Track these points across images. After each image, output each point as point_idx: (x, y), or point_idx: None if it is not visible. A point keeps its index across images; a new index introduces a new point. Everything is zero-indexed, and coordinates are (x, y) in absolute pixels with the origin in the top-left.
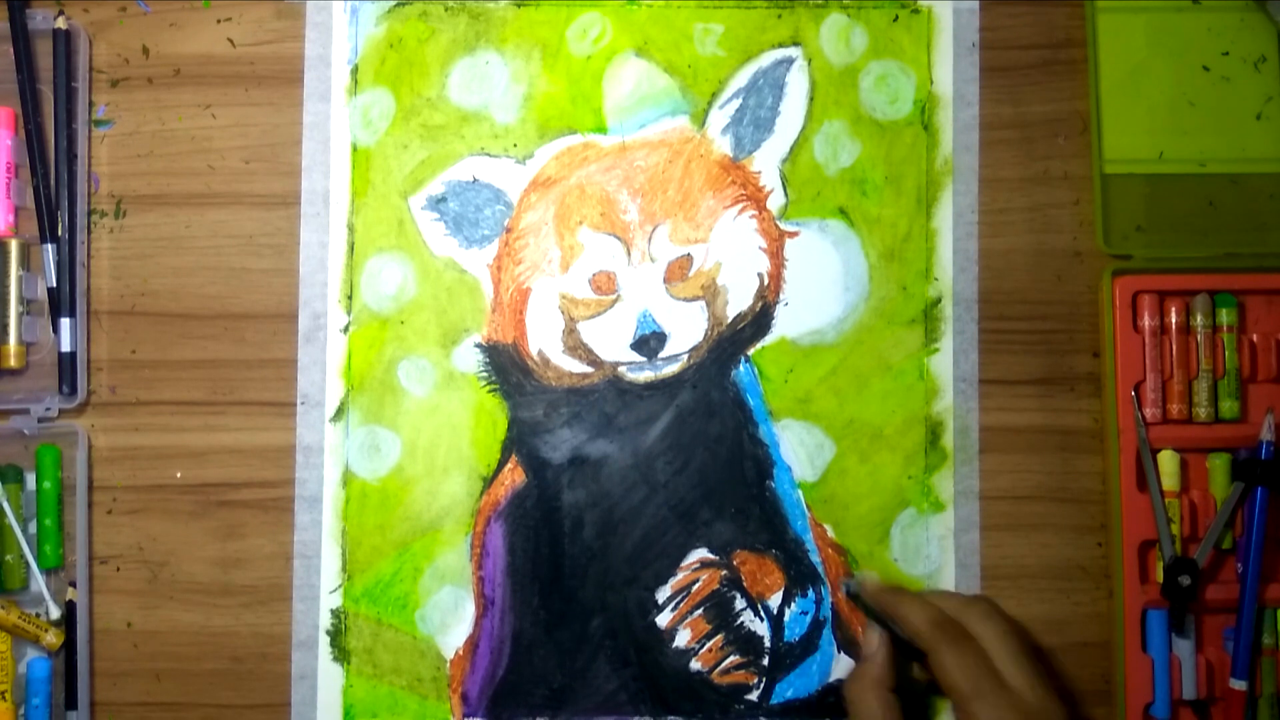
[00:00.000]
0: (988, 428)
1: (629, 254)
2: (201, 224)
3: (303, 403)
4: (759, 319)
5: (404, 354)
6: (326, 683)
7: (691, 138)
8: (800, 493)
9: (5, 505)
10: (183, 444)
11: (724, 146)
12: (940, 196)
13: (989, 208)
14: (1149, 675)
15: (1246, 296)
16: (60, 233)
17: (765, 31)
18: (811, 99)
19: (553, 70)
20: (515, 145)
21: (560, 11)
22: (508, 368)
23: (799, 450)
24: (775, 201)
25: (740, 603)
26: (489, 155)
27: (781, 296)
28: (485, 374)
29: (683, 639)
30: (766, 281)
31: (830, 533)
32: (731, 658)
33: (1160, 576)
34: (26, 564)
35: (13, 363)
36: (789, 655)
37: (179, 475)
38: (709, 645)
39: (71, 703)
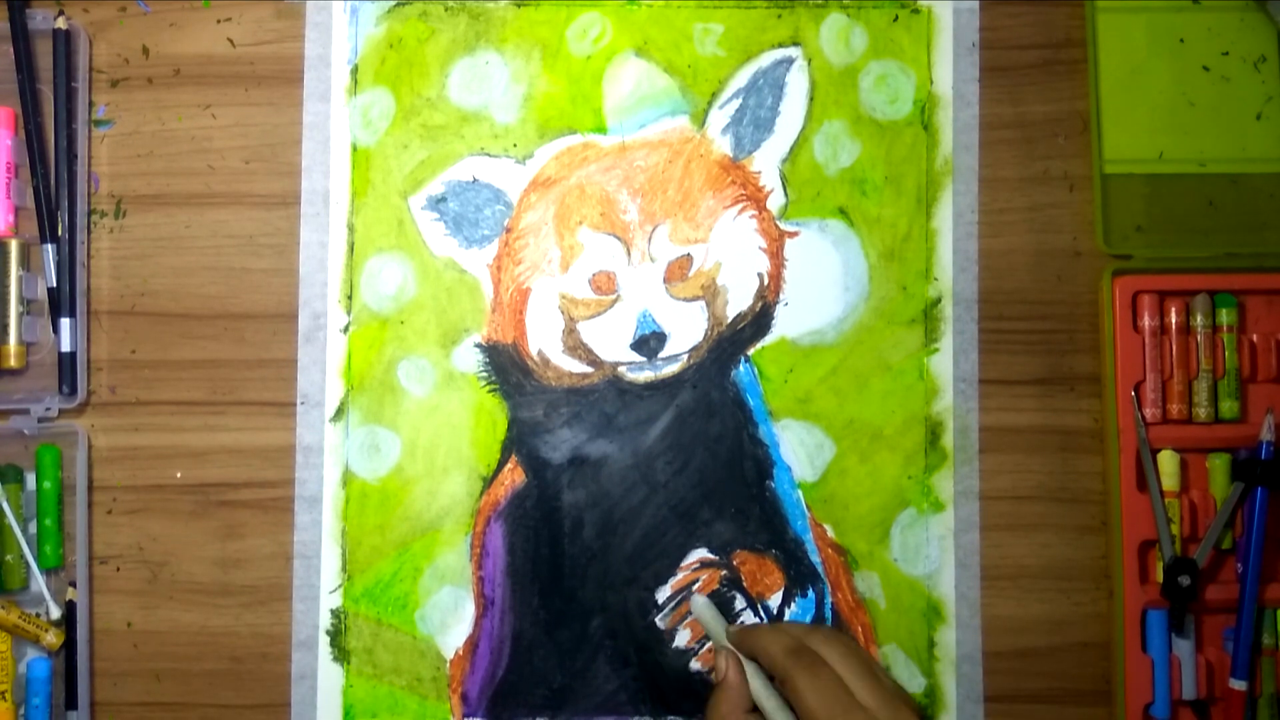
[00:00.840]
0: (988, 428)
1: (629, 254)
2: (201, 224)
3: (303, 403)
4: (759, 319)
5: (404, 354)
6: (326, 683)
7: (691, 138)
8: (800, 493)
9: (5, 505)
10: (183, 444)
11: (724, 146)
12: (940, 196)
13: (989, 208)
14: (1149, 675)
15: (1246, 296)
16: (60, 233)
17: (765, 31)
18: (811, 99)
19: (553, 70)
20: (515, 145)
21: (560, 11)
22: (508, 368)
23: (799, 450)
24: (775, 201)
25: (740, 603)
26: (489, 155)
27: (781, 296)
28: (485, 374)
29: (683, 639)
30: (766, 281)
31: (830, 533)
32: None
33: (1160, 576)
34: (26, 564)
35: (13, 363)
36: None
37: (179, 475)
38: (709, 645)
39: (71, 703)
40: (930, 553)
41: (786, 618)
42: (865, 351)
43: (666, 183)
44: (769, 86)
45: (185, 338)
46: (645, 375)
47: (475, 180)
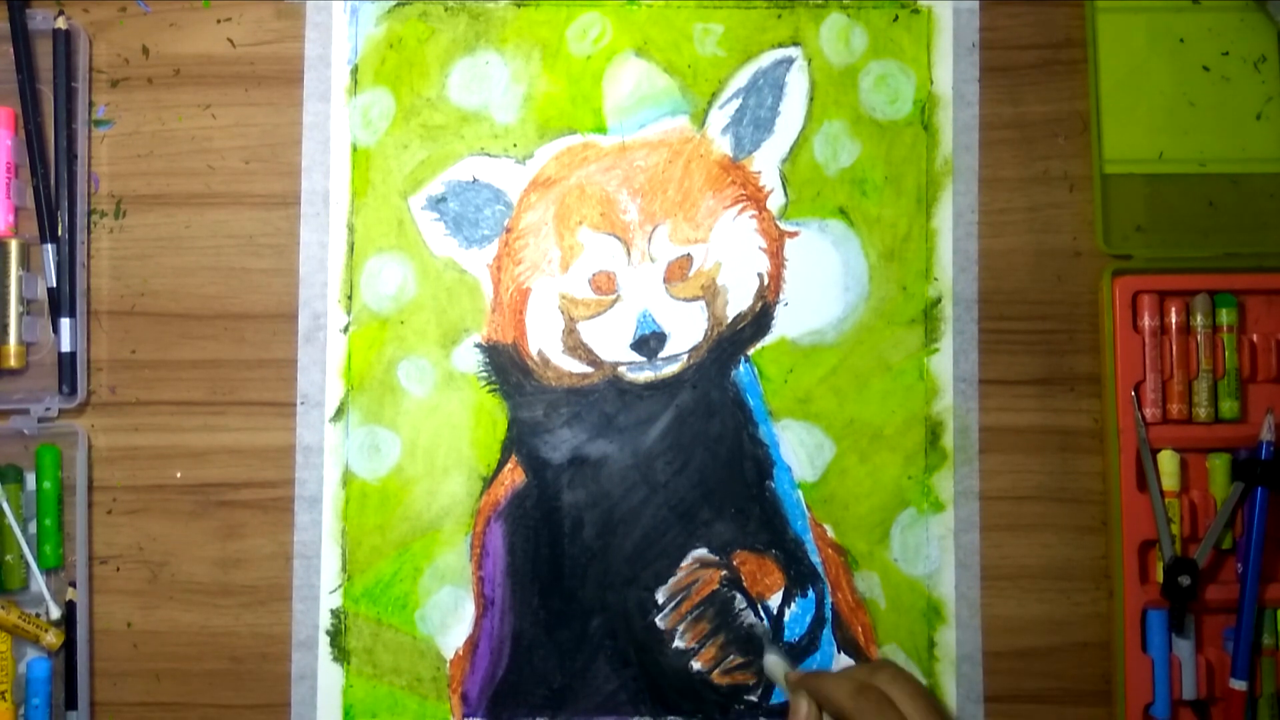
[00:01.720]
0: (988, 428)
1: (629, 254)
2: (201, 224)
3: (302, 403)
4: (759, 319)
5: (404, 354)
6: (326, 683)
7: (691, 138)
8: (800, 493)
9: (5, 505)
10: (183, 444)
11: (724, 146)
12: (940, 196)
13: (989, 208)
14: (1149, 675)
15: (1246, 296)
16: (60, 233)
17: (765, 31)
18: (811, 99)
19: (553, 70)
20: (515, 145)
21: (560, 11)
22: (508, 368)
23: (799, 450)
24: (775, 201)
25: (740, 603)
26: (489, 155)
27: (781, 296)
28: (485, 374)
29: (683, 639)
30: (766, 281)
31: (830, 533)
32: (731, 658)
33: (1160, 576)
34: (26, 564)
35: (13, 363)
36: (789, 655)
37: (179, 475)
38: (709, 645)
39: (71, 702)
40: (930, 553)
41: (787, 618)
42: (865, 351)
43: (666, 183)
44: (769, 86)
45: (185, 338)
46: (645, 375)
47: (475, 180)
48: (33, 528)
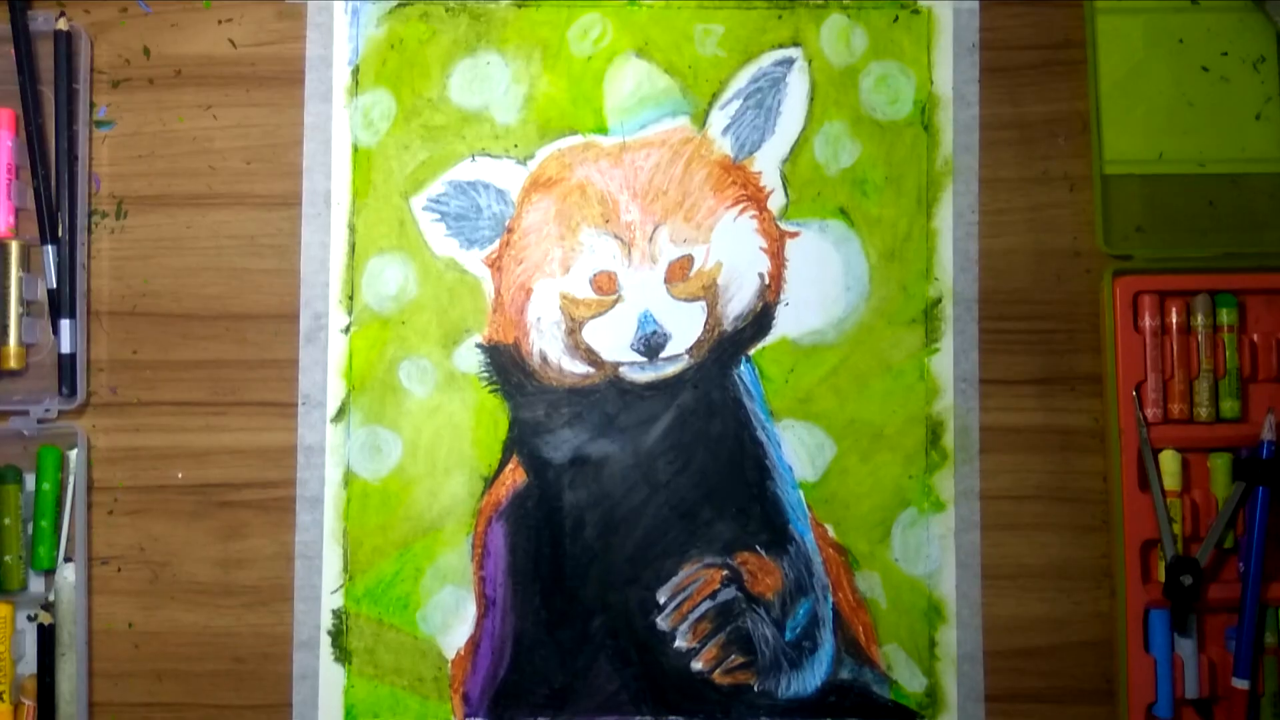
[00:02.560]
0: (988, 427)
1: (630, 254)
2: (203, 224)
3: (304, 403)
4: (759, 319)
5: (405, 354)
6: (328, 683)
7: (692, 138)
8: (801, 492)
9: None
10: (184, 444)
11: (724, 147)
12: (940, 197)
13: (989, 208)
14: (1151, 675)
15: (1247, 296)
16: (61, 234)
17: (765, 32)
18: (812, 99)
19: (553, 71)
20: (516, 146)
21: (561, 12)
22: (509, 368)
23: (800, 450)
24: (776, 202)
25: (741, 603)
26: (490, 156)
27: (782, 296)
28: (486, 374)
29: (684, 639)
30: (767, 281)
31: (831, 532)
32: (732, 657)
33: (1162, 576)
34: (26, 565)
35: (13, 364)
36: (790, 655)
37: (180, 476)
38: (710, 645)
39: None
40: (931, 552)
41: (787, 618)
42: (866, 351)
43: (667, 183)
44: (769, 87)
45: (186, 338)
46: (646, 375)
47: (476, 181)
48: (29, 528)
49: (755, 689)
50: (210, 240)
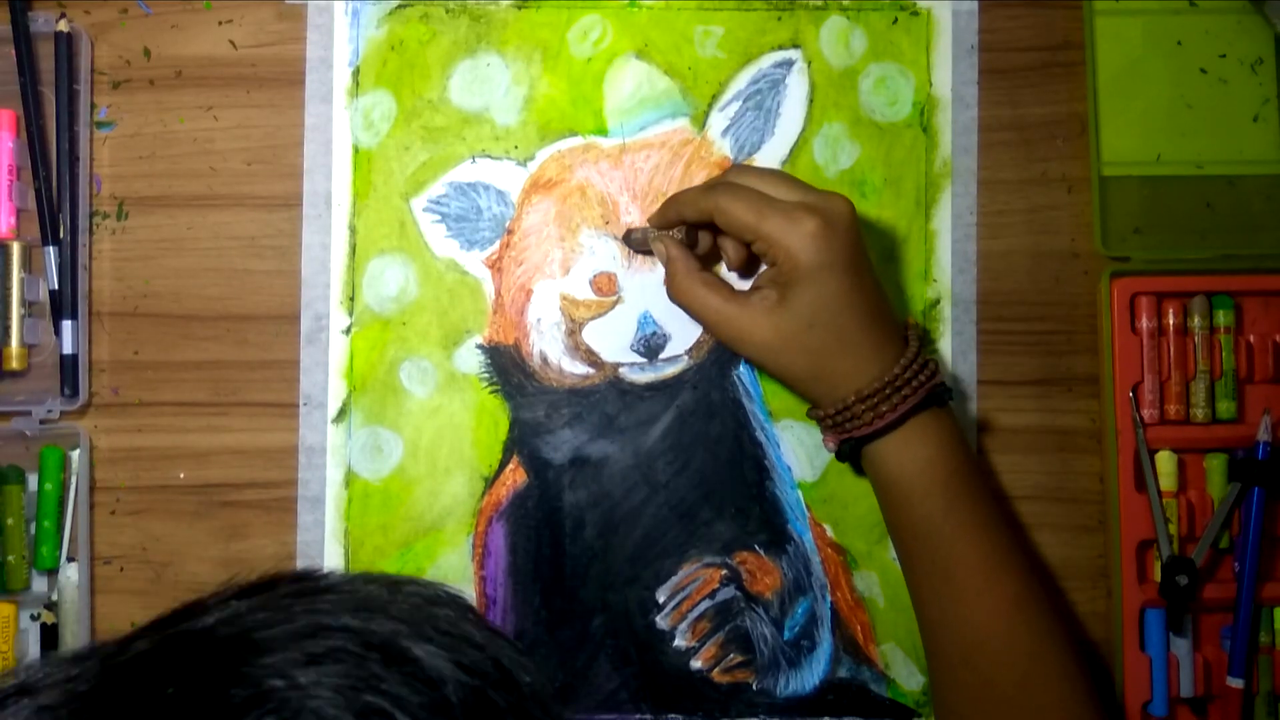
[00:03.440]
0: (986, 428)
1: (629, 255)
2: (203, 226)
3: (305, 404)
4: None
5: (406, 355)
6: None
7: (692, 140)
8: (799, 493)
9: (8, 506)
10: (185, 445)
11: (724, 148)
12: (939, 198)
13: (988, 209)
14: (1147, 674)
15: (1243, 298)
16: (62, 235)
17: (765, 34)
18: (811, 101)
19: (553, 72)
20: (516, 147)
21: (561, 14)
22: (509, 369)
23: (799, 450)
24: None
25: (740, 602)
26: (490, 157)
27: None
28: (487, 375)
29: (683, 638)
30: None
31: (830, 532)
32: (731, 656)
33: (1158, 576)
34: (29, 565)
35: (14, 365)
36: (789, 654)
37: (182, 476)
38: (709, 644)
39: None
40: None
41: (786, 617)
42: None
43: (667, 185)
44: (769, 89)
45: (187, 339)
46: (646, 376)
47: (477, 182)
48: (32, 529)
49: (754, 687)
50: (211, 241)
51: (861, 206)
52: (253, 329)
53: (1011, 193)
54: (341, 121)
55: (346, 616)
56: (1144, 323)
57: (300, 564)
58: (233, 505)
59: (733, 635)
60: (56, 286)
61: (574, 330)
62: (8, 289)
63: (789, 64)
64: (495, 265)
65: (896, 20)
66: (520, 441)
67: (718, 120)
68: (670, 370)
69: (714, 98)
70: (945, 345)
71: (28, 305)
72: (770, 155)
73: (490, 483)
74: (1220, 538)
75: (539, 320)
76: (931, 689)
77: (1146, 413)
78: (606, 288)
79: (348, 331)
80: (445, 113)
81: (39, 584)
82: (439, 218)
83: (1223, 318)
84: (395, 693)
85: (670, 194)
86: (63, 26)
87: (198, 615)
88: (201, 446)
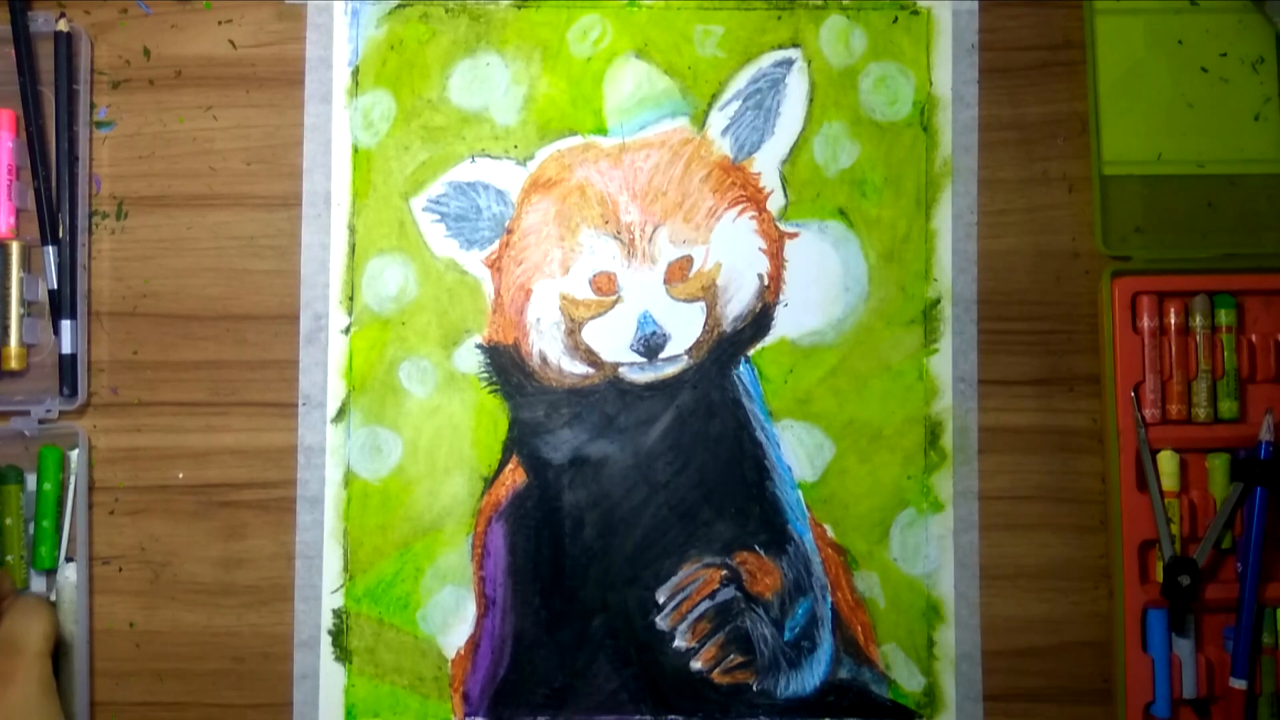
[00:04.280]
0: (987, 428)
1: (629, 255)
2: (203, 225)
3: (304, 403)
4: (759, 320)
5: (405, 355)
6: (328, 682)
7: (691, 139)
8: (800, 493)
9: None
10: (184, 445)
11: (724, 148)
12: (939, 197)
13: (988, 209)
14: (1149, 674)
15: (1245, 297)
16: (61, 234)
17: (765, 33)
18: (811, 100)
19: (553, 72)
20: (516, 146)
21: (561, 13)
22: (508, 368)
23: (799, 450)
24: (775, 203)
25: (740, 602)
26: (490, 156)
27: (781, 297)
28: (486, 375)
29: (683, 639)
30: (766, 282)
31: (830, 533)
32: (731, 657)
33: (1160, 576)
34: (27, 565)
35: (13, 364)
36: (789, 654)
37: (181, 476)
38: (709, 645)
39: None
40: (929, 552)
41: (786, 618)
42: (865, 352)
43: (667, 184)
44: (769, 88)
45: (187, 339)
46: (646, 376)
47: (476, 181)
48: (30, 528)
49: (754, 688)
50: (211, 241)
51: (862, 206)
52: (252, 329)
53: (1012, 192)
54: (341, 121)
55: None
56: (1145, 322)
57: (299, 564)
58: (232, 505)
59: (733, 636)
60: (56, 286)
61: (573, 330)
62: (7, 289)
63: (789, 63)
64: (495, 265)
65: (896, 19)
66: (520, 441)
67: (717, 119)
68: (670, 370)
69: (714, 97)
70: (946, 345)
71: (27, 305)
72: (770, 154)
73: (490, 483)
74: (1222, 538)
75: (538, 320)
76: None
77: (1148, 412)
78: (606, 287)
79: (347, 331)
80: (445, 112)
81: (38, 584)
82: (438, 217)
83: (1224, 317)
84: None
85: (670, 193)
86: (62, 26)
87: None
88: (200, 446)
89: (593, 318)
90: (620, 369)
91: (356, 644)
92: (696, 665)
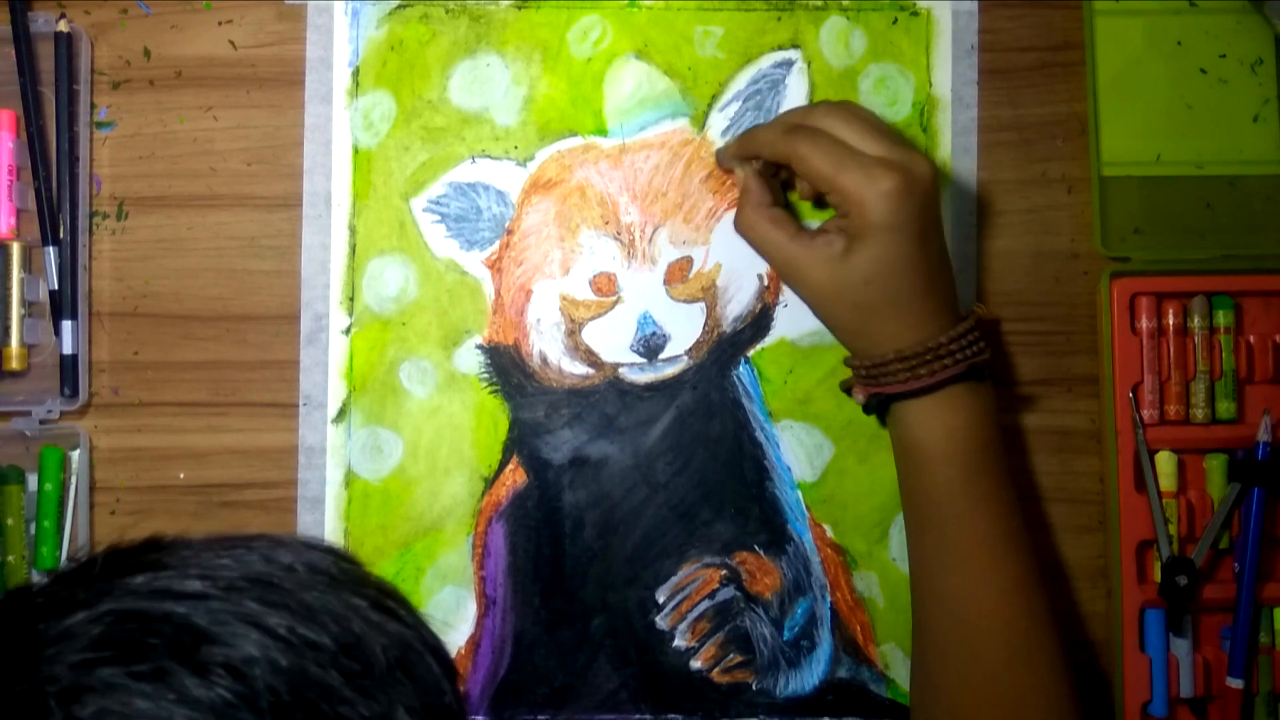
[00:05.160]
0: None
1: (629, 256)
2: (203, 226)
3: (305, 404)
4: (759, 320)
5: (405, 355)
6: None
7: (691, 140)
8: (800, 493)
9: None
10: (185, 445)
11: None
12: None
13: (987, 210)
14: (1147, 674)
15: (1243, 298)
16: (62, 235)
17: (765, 34)
18: (811, 101)
19: (553, 72)
20: (516, 147)
21: (561, 14)
22: (509, 369)
23: (798, 451)
24: None
25: (739, 602)
26: (490, 157)
27: (781, 298)
28: (486, 375)
29: (683, 638)
30: (766, 283)
31: (829, 533)
32: (731, 656)
33: (1158, 576)
34: (29, 565)
35: (14, 365)
36: (788, 654)
37: (181, 476)
38: (709, 644)
39: None
40: None
41: (786, 617)
42: None
43: (667, 185)
44: (769, 89)
45: (187, 339)
46: (646, 376)
47: (476, 182)
48: (31, 529)
49: (754, 687)
50: (211, 242)
51: None
52: (253, 329)
53: (1011, 193)
54: (341, 122)
55: (146, 601)
56: (1144, 323)
57: None
58: (232, 505)
59: (732, 635)
60: (56, 286)
61: (574, 330)
62: (8, 289)
63: (789, 64)
64: (495, 265)
65: (896, 20)
66: (520, 442)
67: (718, 120)
68: (670, 370)
69: (714, 98)
70: None
71: (28, 305)
72: None
73: (490, 483)
74: (1220, 538)
75: (539, 320)
76: (914, 663)
77: (1146, 413)
78: (606, 288)
79: (347, 332)
80: (445, 113)
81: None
82: (439, 218)
83: (1222, 318)
84: (180, 690)
85: (670, 194)
86: (63, 27)
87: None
88: (201, 447)
89: (593, 318)
90: (620, 369)
91: None
92: (696, 665)
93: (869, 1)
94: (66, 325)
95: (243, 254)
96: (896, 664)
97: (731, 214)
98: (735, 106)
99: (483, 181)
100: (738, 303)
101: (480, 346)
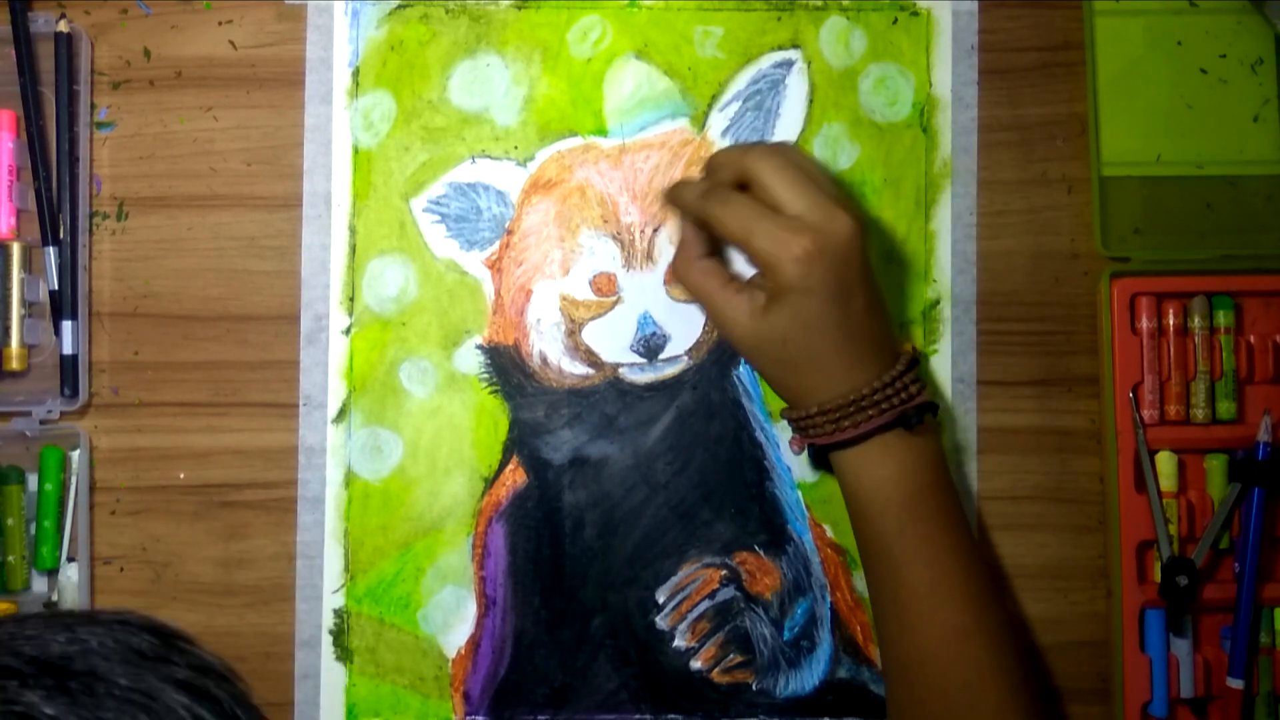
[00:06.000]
0: (986, 428)
1: (629, 256)
2: (203, 226)
3: (305, 404)
4: None
5: (405, 355)
6: (329, 682)
7: (691, 140)
8: (799, 493)
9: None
10: (185, 445)
11: None
12: (939, 199)
13: (987, 210)
14: (1147, 674)
15: (1243, 298)
16: (62, 235)
17: (765, 34)
18: (811, 101)
19: (553, 73)
20: (516, 147)
21: (561, 14)
22: (509, 369)
23: None
24: None
25: (739, 602)
26: (490, 157)
27: None
28: (486, 375)
29: (683, 638)
30: None
31: (829, 533)
32: (731, 656)
33: (1158, 576)
34: (29, 565)
35: (14, 365)
36: (788, 654)
37: (182, 476)
38: (709, 644)
39: None
40: None
41: (786, 617)
42: None
43: (667, 185)
44: (769, 89)
45: (187, 339)
46: (646, 377)
47: (476, 182)
48: (32, 529)
49: (754, 688)
50: (211, 242)
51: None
52: (253, 329)
53: (1011, 193)
54: (341, 122)
55: None
56: (1144, 323)
57: (300, 564)
58: (232, 505)
59: (732, 635)
60: (56, 287)
61: (574, 330)
62: (8, 289)
63: (789, 64)
64: (495, 265)
65: (896, 20)
66: (520, 442)
67: (717, 120)
68: (670, 370)
69: (714, 98)
70: (945, 345)
71: (28, 305)
72: None
73: (490, 483)
74: (1220, 538)
75: (539, 320)
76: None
77: (1146, 413)
78: (606, 288)
79: (347, 332)
80: (445, 113)
81: (39, 584)
82: (439, 218)
83: (1223, 318)
84: None
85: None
86: (63, 27)
87: None
88: (201, 447)
89: (593, 318)
90: (620, 370)
91: (357, 644)
92: (696, 665)
93: (869, 1)
94: (66, 325)
95: (243, 254)
96: None
97: None
98: (735, 106)
99: (483, 181)
100: None
101: (480, 346)
